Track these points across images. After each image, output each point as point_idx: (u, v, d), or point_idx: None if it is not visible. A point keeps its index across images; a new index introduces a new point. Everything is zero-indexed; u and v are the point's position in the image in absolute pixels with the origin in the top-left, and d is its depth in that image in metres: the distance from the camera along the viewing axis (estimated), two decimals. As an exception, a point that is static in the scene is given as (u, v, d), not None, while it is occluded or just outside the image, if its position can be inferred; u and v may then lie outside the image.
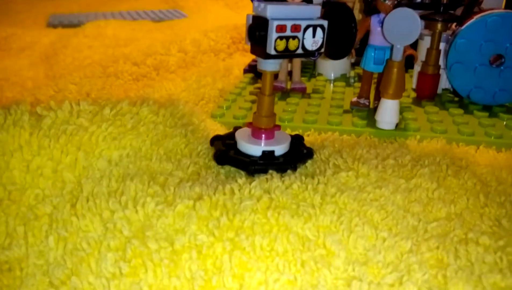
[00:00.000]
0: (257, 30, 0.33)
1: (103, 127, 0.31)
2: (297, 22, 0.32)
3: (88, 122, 0.32)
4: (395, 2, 0.41)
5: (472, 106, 0.47)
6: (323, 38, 0.34)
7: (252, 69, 0.59)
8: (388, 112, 0.41)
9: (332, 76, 0.59)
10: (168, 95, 0.45)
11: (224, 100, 0.48)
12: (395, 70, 0.40)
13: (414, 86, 0.53)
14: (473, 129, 0.41)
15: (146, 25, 1.05)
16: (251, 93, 0.51)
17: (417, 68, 0.52)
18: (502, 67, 0.45)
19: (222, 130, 0.40)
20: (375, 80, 0.47)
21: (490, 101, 0.47)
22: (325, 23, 0.34)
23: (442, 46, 0.49)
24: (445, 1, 0.47)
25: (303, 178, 0.31)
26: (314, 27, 0.33)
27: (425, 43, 0.50)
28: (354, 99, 0.47)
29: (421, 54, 0.51)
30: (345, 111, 0.46)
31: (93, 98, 0.50)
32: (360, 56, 0.46)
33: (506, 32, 0.44)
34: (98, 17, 1.15)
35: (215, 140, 0.36)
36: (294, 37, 0.33)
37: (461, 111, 0.45)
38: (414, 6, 0.45)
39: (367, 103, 0.47)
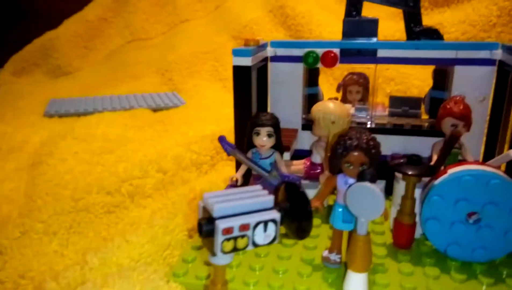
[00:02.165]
0: (204, 226, 0.31)
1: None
2: (246, 221, 0.31)
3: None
4: (359, 168, 0.40)
5: (450, 262, 0.45)
6: (276, 230, 0.32)
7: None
8: (355, 285, 0.39)
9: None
10: (129, 256, 0.44)
11: (191, 247, 0.46)
12: (360, 244, 0.38)
13: (391, 227, 0.50)
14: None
15: (140, 117, 1.06)
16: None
17: (394, 209, 0.50)
18: (479, 224, 0.43)
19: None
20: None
21: (469, 258, 0.44)
22: (277, 216, 0.32)
23: (418, 192, 0.47)
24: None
25: None
26: (265, 223, 0.32)
27: (401, 186, 0.48)
28: (325, 253, 0.45)
29: (397, 198, 0.49)
30: (315, 269, 0.44)
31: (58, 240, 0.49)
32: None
33: (480, 192, 0.42)
34: (96, 105, 1.17)
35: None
36: (243, 236, 0.31)
37: (437, 271, 0.43)
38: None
39: (338, 259, 0.44)
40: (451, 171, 0.44)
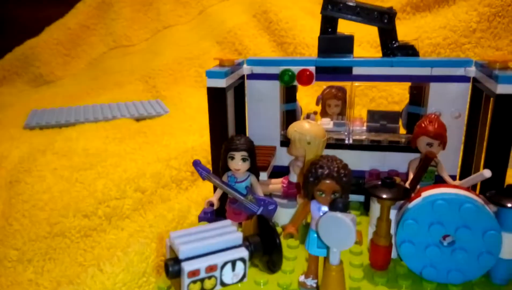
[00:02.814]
0: (170, 267, 0.31)
1: None
2: (213, 262, 0.31)
3: None
4: (331, 196, 0.40)
5: (426, 283, 0.45)
6: (245, 269, 0.32)
7: (209, 216, 0.57)
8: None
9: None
10: (103, 287, 0.43)
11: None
12: (333, 274, 0.38)
13: (368, 246, 0.50)
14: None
15: (122, 127, 1.05)
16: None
17: (371, 230, 0.50)
18: (453, 247, 0.43)
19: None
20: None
21: (444, 280, 0.44)
22: (245, 254, 0.32)
23: (393, 213, 0.47)
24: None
25: None
26: (233, 262, 0.32)
27: (376, 207, 0.48)
28: (301, 278, 0.45)
29: (373, 218, 0.49)
30: (291, 295, 0.44)
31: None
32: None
33: (453, 216, 0.42)
34: (77, 116, 1.16)
35: None
36: (210, 277, 0.31)
37: (412, 295, 0.43)
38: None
39: (314, 285, 0.44)
40: (425, 194, 0.44)
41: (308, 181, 0.40)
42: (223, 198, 0.51)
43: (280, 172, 0.61)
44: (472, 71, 0.54)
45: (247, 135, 0.64)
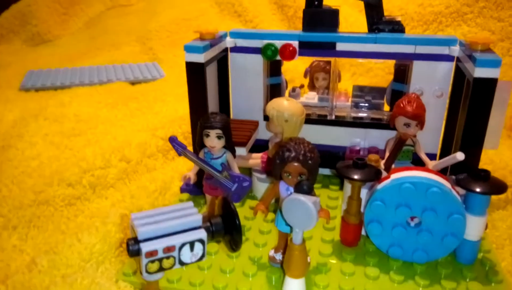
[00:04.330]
0: (130, 246, 0.32)
1: None
2: (171, 243, 0.32)
3: None
4: (298, 178, 0.40)
5: (392, 261, 0.46)
6: (204, 249, 0.33)
7: (191, 188, 0.59)
8: (291, 290, 0.40)
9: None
10: (79, 257, 0.45)
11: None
12: (296, 253, 0.39)
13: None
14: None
15: (116, 92, 1.05)
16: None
17: (343, 207, 0.51)
18: (419, 228, 0.44)
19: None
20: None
21: (409, 259, 0.46)
22: (204, 235, 0.33)
23: (364, 192, 0.48)
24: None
25: None
26: (192, 243, 0.33)
27: (349, 187, 0.49)
28: (271, 253, 0.47)
29: (346, 197, 0.50)
30: (260, 268, 0.45)
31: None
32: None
33: (420, 199, 0.43)
34: (73, 78, 1.16)
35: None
36: (168, 257, 0.32)
37: (377, 272, 0.44)
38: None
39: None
40: (394, 176, 0.45)
41: (275, 163, 0.41)
42: (201, 172, 0.51)
43: (263, 145, 0.61)
44: (456, 50, 0.53)
45: (231, 108, 0.64)
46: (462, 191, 0.45)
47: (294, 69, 0.94)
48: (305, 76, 0.71)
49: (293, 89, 0.67)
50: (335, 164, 0.48)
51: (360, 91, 0.64)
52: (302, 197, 0.37)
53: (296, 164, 0.40)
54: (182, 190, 0.59)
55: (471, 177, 0.43)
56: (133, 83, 1.16)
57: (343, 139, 0.61)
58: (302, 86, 0.70)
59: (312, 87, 0.70)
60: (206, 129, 0.47)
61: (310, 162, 0.40)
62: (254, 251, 0.48)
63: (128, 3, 1.55)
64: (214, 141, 0.47)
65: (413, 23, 1.13)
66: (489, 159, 0.66)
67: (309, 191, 0.39)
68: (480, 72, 0.45)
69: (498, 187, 0.42)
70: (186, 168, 0.68)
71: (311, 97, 0.66)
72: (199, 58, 0.51)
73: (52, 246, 0.48)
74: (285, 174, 0.41)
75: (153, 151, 0.70)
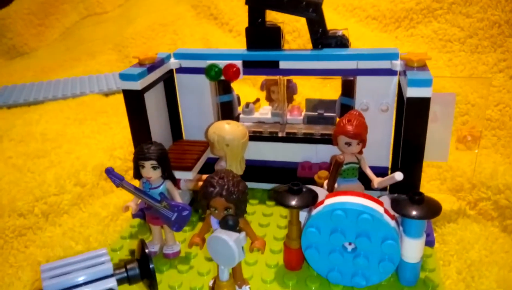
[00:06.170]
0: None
1: None
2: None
3: None
4: (224, 212, 0.40)
5: (333, 286, 0.46)
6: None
7: (142, 213, 0.58)
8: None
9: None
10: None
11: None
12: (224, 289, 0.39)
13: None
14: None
15: (87, 106, 1.05)
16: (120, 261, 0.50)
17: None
18: (356, 253, 0.44)
19: None
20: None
21: (349, 283, 0.45)
22: (114, 285, 0.33)
23: (303, 215, 0.48)
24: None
25: None
26: (102, 296, 0.32)
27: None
28: (211, 283, 0.46)
29: (289, 220, 0.49)
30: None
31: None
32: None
33: (352, 225, 0.42)
34: (46, 92, 1.15)
35: None
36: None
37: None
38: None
39: None
40: (328, 202, 0.44)
41: (201, 198, 0.40)
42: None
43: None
44: (397, 65, 0.52)
45: (182, 128, 0.64)
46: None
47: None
48: (261, 89, 0.71)
49: (247, 105, 0.66)
50: (288, 180, 0.47)
51: (313, 104, 0.64)
52: (224, 236, 0.37)
53: (220, 199, 0.39)
54: (134, 215, 0.59)
55: (406, 200, 0.43)
56: (107, 94, 1.15)
57: (295, 155, 0.60)
58: (257, 100, 0.69)
59: (269, 99, 0.70)
60: (140, 161, 0.47)
61: (234, 197, 0.39)
62: (195, 280, 0.48)
63: (103, 10, 1.54)
64: (149, 172, 0.47)
65: (386, 21, 1.12)
66: (448, 166, 0.65)
67: (234, 226, 0.39)
68: (413, 92, 0.45)
69: (432, 211, 0.42)
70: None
71: (264, 112, 0.66)
72: (135, 85, 0.51)
73: (-2, 281, 0.48)
74: (212, 208, 0.41)
75: (110, 172, 0.69)
